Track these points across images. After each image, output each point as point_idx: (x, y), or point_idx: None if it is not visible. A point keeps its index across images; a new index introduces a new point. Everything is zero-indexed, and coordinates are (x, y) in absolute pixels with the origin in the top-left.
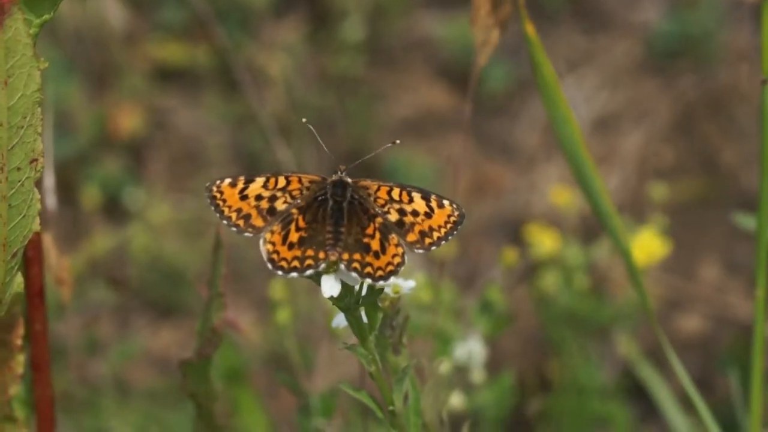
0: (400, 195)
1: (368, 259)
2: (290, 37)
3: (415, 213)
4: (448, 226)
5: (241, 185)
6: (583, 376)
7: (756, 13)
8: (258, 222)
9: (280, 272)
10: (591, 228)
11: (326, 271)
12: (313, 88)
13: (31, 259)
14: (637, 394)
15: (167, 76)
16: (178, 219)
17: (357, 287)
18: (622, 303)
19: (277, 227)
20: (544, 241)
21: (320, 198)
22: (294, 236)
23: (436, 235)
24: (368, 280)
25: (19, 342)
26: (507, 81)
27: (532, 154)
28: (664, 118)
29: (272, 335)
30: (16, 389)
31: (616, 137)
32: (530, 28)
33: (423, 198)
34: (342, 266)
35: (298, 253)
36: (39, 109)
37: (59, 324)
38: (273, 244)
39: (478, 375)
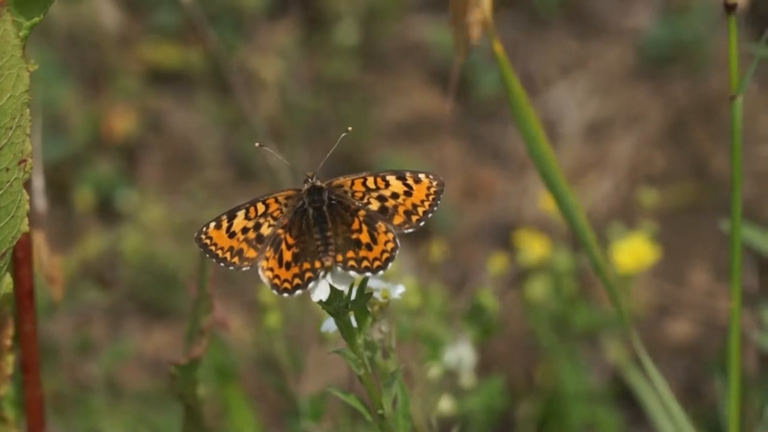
0: (376, 182)
1: (362, 253)
2: (284, 40)
3: (394, 195)
4: (431, 198)
5: (225, 224)
6: (572, 381)
7: (745, 20)
8: (251, 253)
9: (286, 294)
10: None
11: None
12: (306, 92)
13: (20, 261)
14: (625, 399)
15: (161, 78)
16: (171, 221)
17: (346, 292)
18: (611, 309)
19: (269, 252)
20: (534, 247)
21: (300, 210)
22: (287, 255)
23: (421, 210)
24: (368, 274)
25: (8, 343)
26: (498, 86)
27: (523, 159)
28: (655, 123)
29: (262, 337)
30: (5, 390)
31: (607, 142)
32: (498, 47)
33: (398, 178)
34: (338, 268)
35: (296, 270)
36: (28, 110)
37: (51, 324)
38: (271, 269)
39: (467, 379)
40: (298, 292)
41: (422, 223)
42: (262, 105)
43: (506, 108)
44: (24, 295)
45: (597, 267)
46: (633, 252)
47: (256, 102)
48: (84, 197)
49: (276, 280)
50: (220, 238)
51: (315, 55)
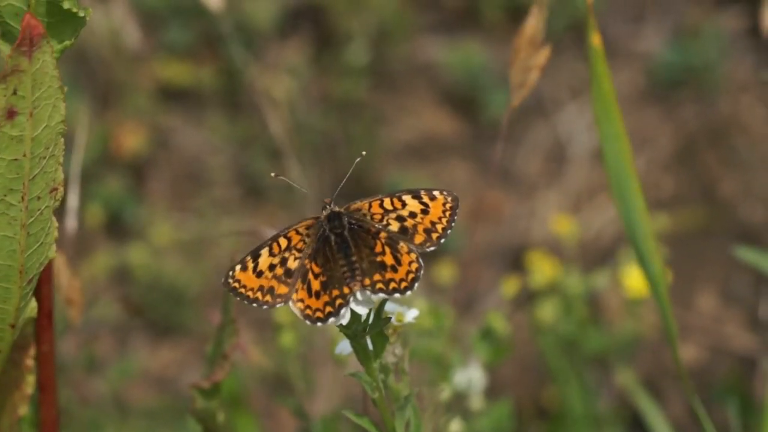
0: (393, 203)
1: (388, 275)
2: (294, 59)
3: (412, 215)
4: (447, 214)
5: (251, 264)
6: (580, 404)
7: (759, 45)
8: (282, 289)
9: (320, 323)
10: (589, 256)
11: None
12: (316, 111)
13: (41, 281)
14: (633, 423)
15: (171, 95)
16: (180, 238)
17: (364, 316)
18: (620, 332)
19: (298, 284)
20: (544, 269)
21: (322, 237)
22: (315, 284)
23: (439, 227)
24: (396, 296)
25: (30, 363)
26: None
27: (532, 181)
28: (664, 147)
29: (271, 356)
30: (24, 409)
31: None
32: (596, 38)
33: (414, 197)
34: (367, 292)
35: (326, 298)
36: (62, 140)
37: (59, 342)
38: (302, 300)
39: (477, 402)
40: (331, 320)
41: (443, 240)
42: (271, 123)
43: (515, 129)
44: (43, 315)
45: (653, 277)
46: (641, 276)
47: (265, 120)
48: (93, 214)
49: (308, 311)
50: (248, 279)
51: (325, 74)
